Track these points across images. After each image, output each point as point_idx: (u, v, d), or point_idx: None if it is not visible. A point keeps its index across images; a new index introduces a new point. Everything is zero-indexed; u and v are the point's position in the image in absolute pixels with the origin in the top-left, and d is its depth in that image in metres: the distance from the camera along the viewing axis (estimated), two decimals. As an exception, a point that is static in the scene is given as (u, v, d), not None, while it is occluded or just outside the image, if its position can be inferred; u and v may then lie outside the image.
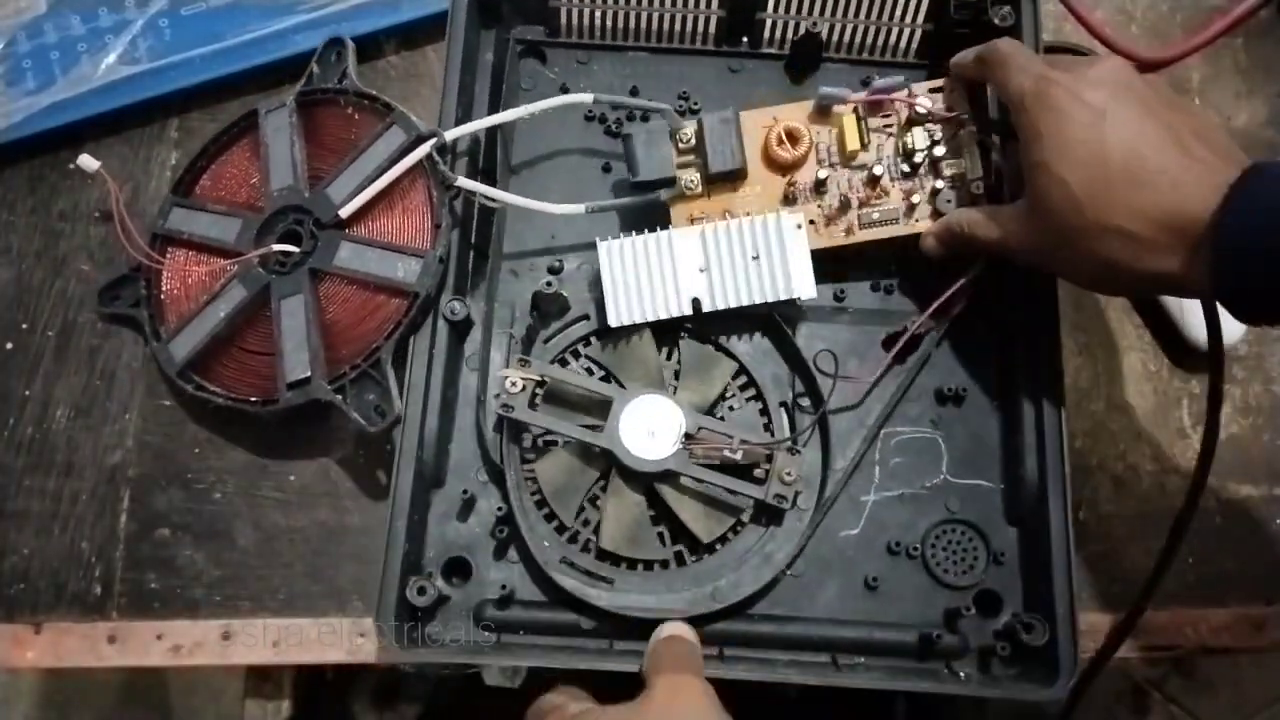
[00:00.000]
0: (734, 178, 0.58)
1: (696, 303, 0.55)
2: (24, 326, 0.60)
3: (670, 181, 0.57)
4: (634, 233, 0.56)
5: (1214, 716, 1.21)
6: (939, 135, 0.57)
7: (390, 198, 0.56)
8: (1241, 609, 0.58)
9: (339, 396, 0.52)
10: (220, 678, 1.31)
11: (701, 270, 0.55)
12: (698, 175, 0.57)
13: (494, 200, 0.56)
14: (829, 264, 0.58)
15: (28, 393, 0.59)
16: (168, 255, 0.59)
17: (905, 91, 0.57)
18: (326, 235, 0.55)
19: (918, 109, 0.57)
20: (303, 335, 0.54)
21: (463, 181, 0.55)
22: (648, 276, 0.55)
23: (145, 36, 0.63)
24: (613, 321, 0.55)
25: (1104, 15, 0.67)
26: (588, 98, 0.58)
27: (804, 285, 0.55)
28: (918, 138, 0.57)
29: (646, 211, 0.58)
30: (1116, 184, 0.45)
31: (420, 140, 0.55)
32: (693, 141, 0.57)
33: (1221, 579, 0.58)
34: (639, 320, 0.55)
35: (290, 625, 0.55)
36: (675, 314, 0.55)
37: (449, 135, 0.55)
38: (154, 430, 0.58)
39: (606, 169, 0.61)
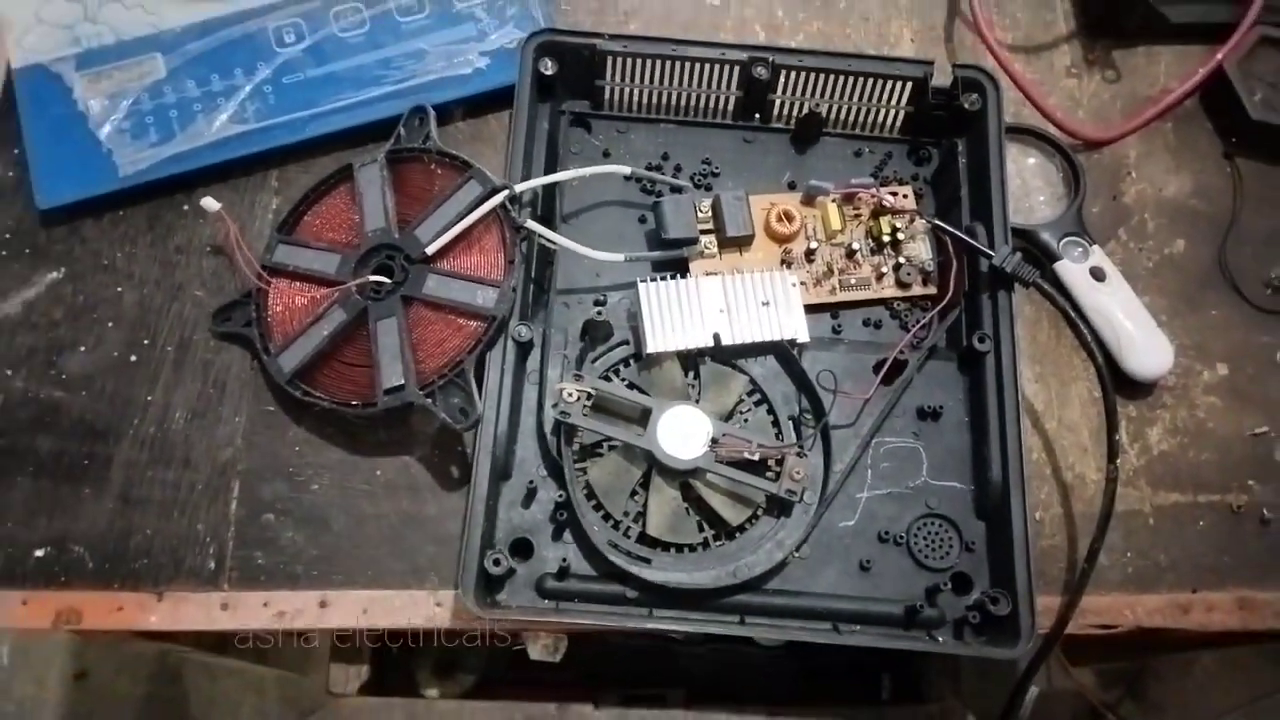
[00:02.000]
0: (742, 243, 0.70)
1: (718, 337, 0.66)
2: (146, 342, 0.69)
3: (694, 240, 0.69)
4: (665, 277, 0.67)
5: (1162, 736, 1.29)
6: (899, 224, 0.71)
7: (469, 239, 0.66)
8: (1171, 595, 0.67)
9: (429, 400, 0.63)
10: (239, 691, 1.37)
11: (721, 311, 0.67)
12: (714, 240, 0.70)
13: (553, 243, 0.67)
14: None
15: (150, 398, 0.67)
16: (273, 284, 0.68)
17: (873, 189, 0.70)
18: (415, 269, 0.66)
19: (883, 202, 0.70)
20: (397, 350, 0.63)
21: (530, 224, 0.66)
22: (679, 313, 0.66)
23: (252, 100, 0.72)
24: (650, 349, 0.65)
25: (1056, 101, 0.77)
26: (626, 169, 0.70)
27: (800, 330, 0.67)
28: (884, 225, 0.71)
29: (671, 261, 0.69)
30: None
31: (495, 191, 0.66)
32: (709, 213, 0.70)
33: (1154, 570, 0.67)
34: (671, 349, 0.66)
35: (377, 595, 0.63)
36: (701, 345, 0.66)
37: (518, 188, 0.67)
38: (260, 432, 0.67)
39: (642, 220, 0.72)
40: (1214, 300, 0.74)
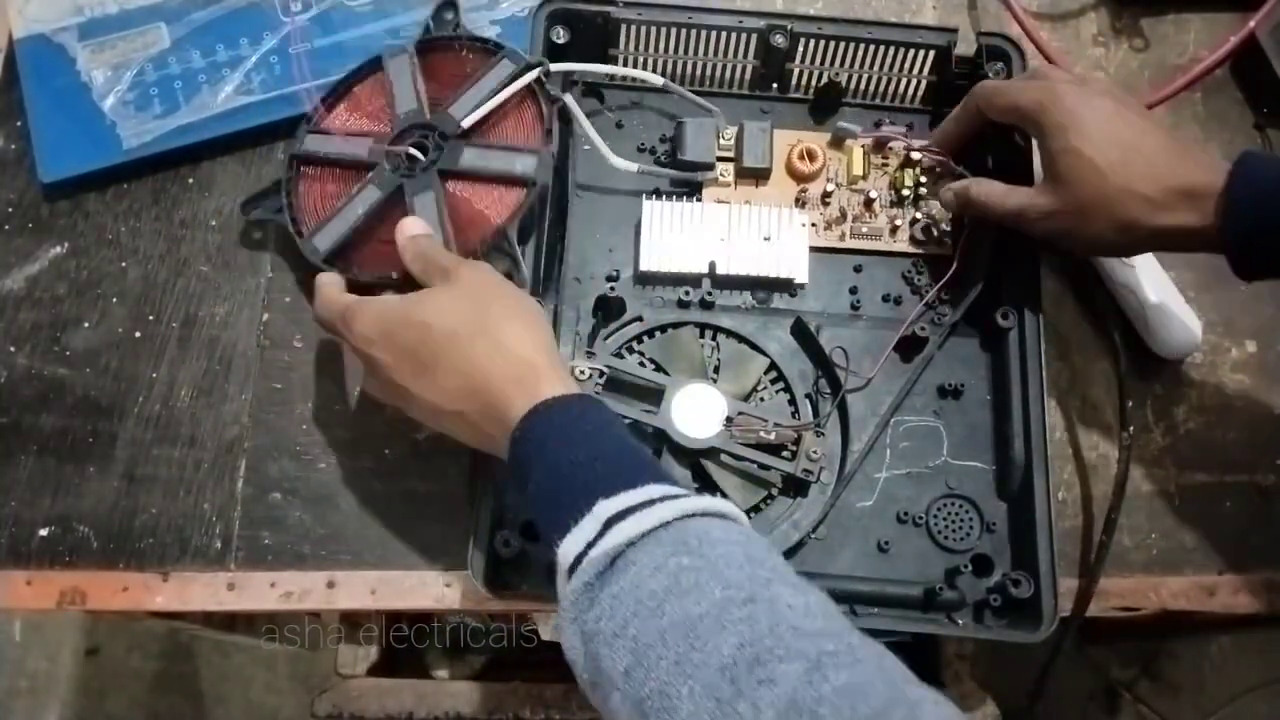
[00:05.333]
0: (759, 176, 0.70)
1: (713, 265, 0.65)
2: (150, 318, 0.68)
3: (709, 166, 0.68)
4: (675, 198, 0.68)
5: (1178, 716, 1.29)
6: (924, 180, 0.69)
7: (504, 114, 0.66)
8: (1196, 577, 0.66)
9: None
10: (250, 667, 1.38)
11: (722, 240, 0.66)
12: (731, 168, 0.69)
13: (580, 127, 0.66)
14: (847, 277, 0.69)
15: (155, 375, 0.66)
16: (303, 172, 0.67)
17: (904, 134, 0.69)
18: (451, 144, 0.64)
19: (912, 154, 0.68)
20: (436, 222, 0.61)
21: (566, 98, 0.65)
22: (679, 235, 0.66)
23: (258, 71, 0.71)
24: (643, 266, 0.66)
25: (1082, 70, 0.75)
26: (659, 79, 0.68)
27: (799, 271, 0.67)
28: (907, 178, 0.69)
29: (685, 187, 0.69)
30: (1134, 160, 0.57)
31: (529, 67, 0.65)
32: (731, 143, 0.69)
33: (1180, 552, 0.66)
34: (665, 269, 0.66)
35: (386, 576, 0.62)
36: (695, 270, 0.66)
37: (553, 67, 0.65)
38: (267, 409, 0.66)
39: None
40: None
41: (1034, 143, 0.63)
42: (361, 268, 0.63)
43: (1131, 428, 0.64)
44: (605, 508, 0.44)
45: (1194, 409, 0.70)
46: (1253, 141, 0.76)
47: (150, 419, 0.66)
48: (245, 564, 0.63)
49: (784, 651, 0.38)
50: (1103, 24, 0.79)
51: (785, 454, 0.62)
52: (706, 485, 0.62)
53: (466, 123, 0.64)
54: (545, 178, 0.63)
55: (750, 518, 0.62)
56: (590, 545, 0.44)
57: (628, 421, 0.62)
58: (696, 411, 0.61)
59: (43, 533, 0.63)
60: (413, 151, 0.64)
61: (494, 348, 0.52)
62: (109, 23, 0.72)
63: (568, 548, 0.45)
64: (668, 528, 0.43)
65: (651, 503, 0.44)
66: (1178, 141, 0.58)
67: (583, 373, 0.61)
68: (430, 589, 0.63)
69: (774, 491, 0.63)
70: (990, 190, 0.63)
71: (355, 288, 0.61)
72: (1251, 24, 0.74)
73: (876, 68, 0.71)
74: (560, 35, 0.69)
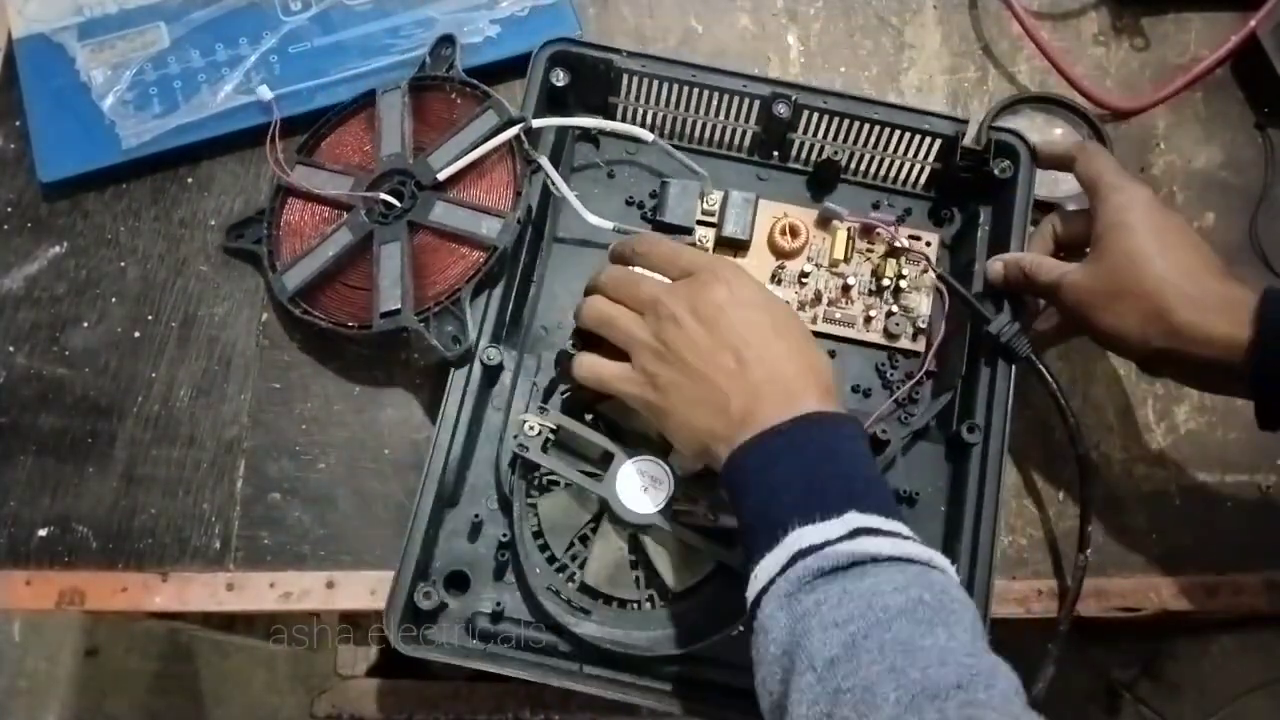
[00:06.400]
0: (738, 246, 0.68)
1: None
2: (149, 318, 0.68)
3: (688, 230, 0.67)
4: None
5: (1179, 716, 1.29)
6: (906, 272, 0.68)
7: (481, 168, 0.66)
8: (1197, 578, 0.66)
9: (422, 325, 0.62)
10: (250, 667, 1.38)
11: None
12: (711, 235, 0.68)
13: (556, 188, 0.65)
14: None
15: (154, 375, 0.66)
16: (288, 203, 0.68)
17: (893, 224, 0.67)
18: (425, 195, 0.65)
19: (897, 244, 0.67)
20: (397, 274, 0.63)
21: (542, 160, 0.64)
22: None
23: (257, 70, 0.70)
24: None
25: (1083, 70, 0.74)
26: (649, 136, 0.67)
27: None
28: (890, 268, 0.68)
29: None
30: (1179, 256, 0.56)
31: (511, 123, 0.65)
32: (715, 208, 0.68)
33: (1180, 552, 0.66)
34: None
35: (385, 576, 0.61)
36: None
37: (535, 123, 0.65)
38: (267, 409, 0.66)
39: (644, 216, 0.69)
40: (1244, 275, 0.70)
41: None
42: (323, 311, 0.65)
43: (1089, 551, 0.64)
44: (857, 519, 0.46)
45: (1195, 409, 0.69)
46: (1253, 141, 0.75)
47: (149, 419, 0.66)
48: (244, 564, 0.63)
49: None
50: (1103, 23, 0.78)
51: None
52: (641, 560, 0.60)
53: (442, 175, 0.65)
54: (508, 241, 0.63)
55: (683, 600, 0.60)
56: (830, 542, 0.46)
57: (567, 485, 0.61)
58: (642, 485, 0.59)
59: (42, 533, 0.63)
60: (388, 198, 0.65)
61: (805, 338, 0.55)
62: (108, 22, 0.72)
63: (808, 534, 0.46)
64: (913, 563, 0.46)
65: (905, 537, 0.47)
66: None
67: (532, 428, 0.59)
68: (429, 589, 0.62)
69: (711, 578, 0.59)
70: (1038, 261, 0.61)
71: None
72: (1252, 23, 0.73)
73: (880, 148, 0.69)
74: (560, 78, 0.67)
